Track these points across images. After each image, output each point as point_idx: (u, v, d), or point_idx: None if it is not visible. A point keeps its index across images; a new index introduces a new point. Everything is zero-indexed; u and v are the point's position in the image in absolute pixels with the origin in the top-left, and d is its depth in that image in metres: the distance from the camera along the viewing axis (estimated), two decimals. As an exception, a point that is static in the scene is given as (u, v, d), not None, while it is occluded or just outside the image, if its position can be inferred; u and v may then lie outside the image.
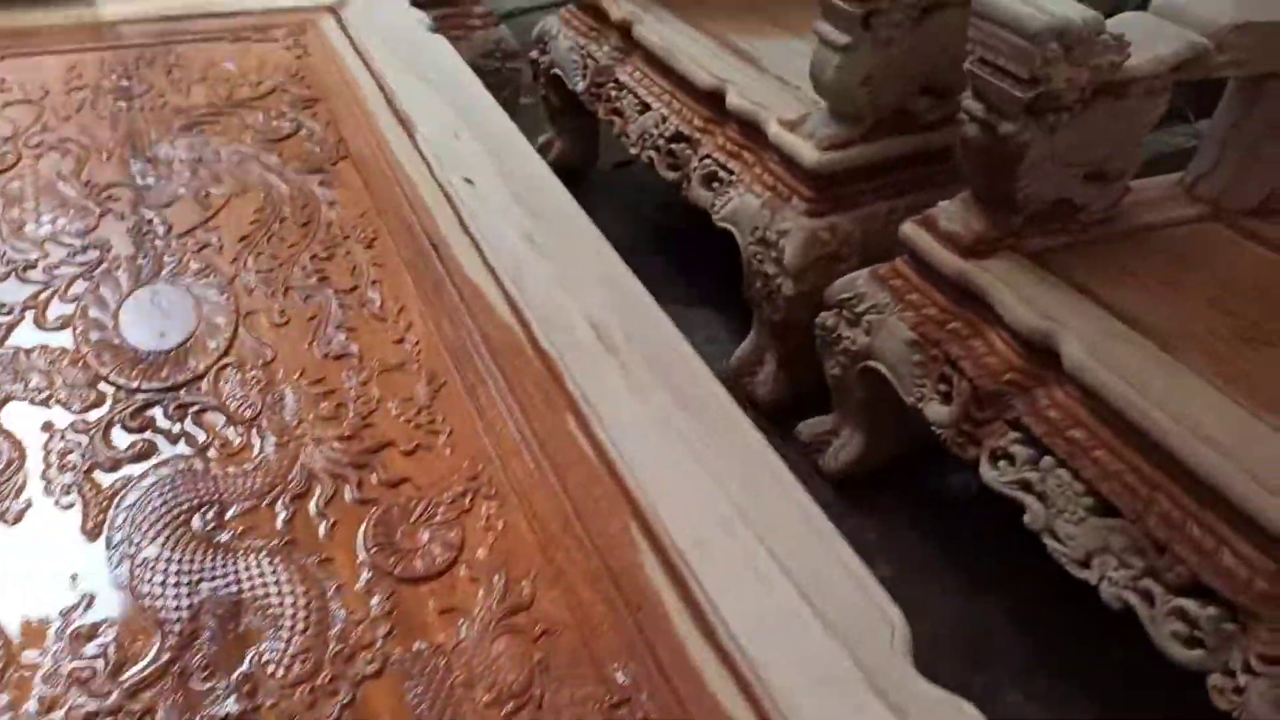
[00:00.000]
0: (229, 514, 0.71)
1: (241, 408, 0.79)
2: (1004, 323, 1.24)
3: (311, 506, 0.72)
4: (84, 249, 0.94)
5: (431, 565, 0.69)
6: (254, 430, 0.78)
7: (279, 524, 0.71)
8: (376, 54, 1.31)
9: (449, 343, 0.88)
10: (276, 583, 0.67)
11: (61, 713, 0.58)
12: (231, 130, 1.13)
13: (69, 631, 0.62)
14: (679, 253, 2.07)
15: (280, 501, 0.72)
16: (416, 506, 0.73)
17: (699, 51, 1.78)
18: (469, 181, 1.08)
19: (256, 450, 0.76)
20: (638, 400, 0.83)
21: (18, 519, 0.69)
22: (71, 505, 0.70)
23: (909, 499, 1.59)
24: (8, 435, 0.75)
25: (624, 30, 1.91)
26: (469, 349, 0.87)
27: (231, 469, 0.74)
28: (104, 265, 0.92)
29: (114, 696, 0.59)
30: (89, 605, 0.64)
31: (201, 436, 0.76)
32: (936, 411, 1.32)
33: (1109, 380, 1.11)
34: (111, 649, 0.62)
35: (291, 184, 1.06)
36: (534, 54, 2.19)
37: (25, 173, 1.03)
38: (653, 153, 1.83)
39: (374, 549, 0.70)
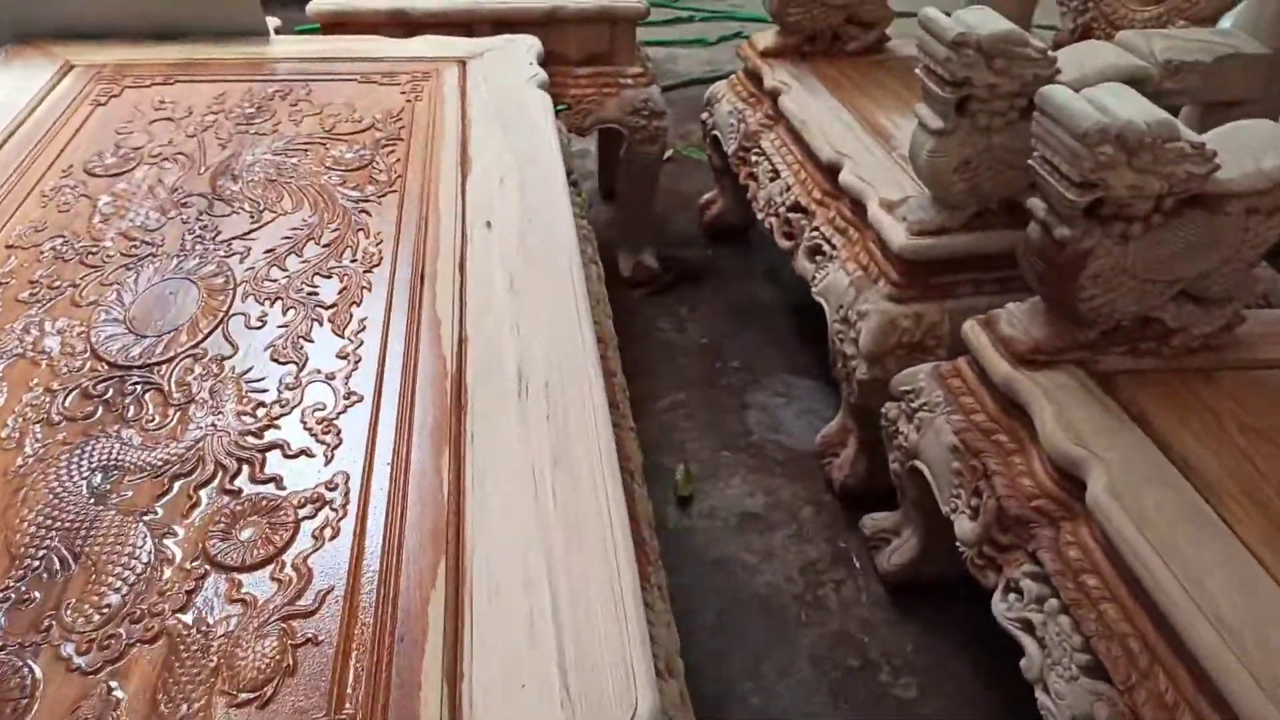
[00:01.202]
0: (125, 479, 0.81)
1: (179, 394, 0.89)
2: (1041, 443, 1.11)
3: (185, 486, 0.80)
4: (143, 243, 1.10)
5: (245, 559, 0.74)
6: (179, 414, 0.87)
7: (155, 494, 0.79)
8: (475, 103, 1.42)
9: (386, 366, 0.94)
10: (124, 542, 0.75)
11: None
12: (315, 158, 1.28)
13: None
14: (811, 320, 2.03)
15: (164, 476, 0.81)
16: (265, 504, 0.79)
17: (834, 125, 1.75)
18: (488, 225, 1.14)
19: (171, 431, 0.85)
20: (519, 448, 0.84)
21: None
22: (10, 445, 0.83)
23: (956, 615, 1.45)
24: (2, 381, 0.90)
25: (774, 98, 1.92)
26: (398, 373, 0.92)
27: (142, 441, 0.84)
28: (149, 258, 1.08)
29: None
30: (-27, 532, 0.76)
31: (133, 411, 0.87)
32: (964, 527, 1.20)
33: (1123, 527, 0.97)
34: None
35: (339, 209, 1.17)
36: (704, 115, 2.25)
37: (138, 176, 1.23)
38: (773, 219, 1.82)
39: (212, 534, 0.76)
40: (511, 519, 0.78)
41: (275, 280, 1.05)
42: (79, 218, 1.14)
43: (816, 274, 1.64)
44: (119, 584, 0.72)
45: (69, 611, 0.70)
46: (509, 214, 1.17)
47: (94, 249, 1.09)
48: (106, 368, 0.92)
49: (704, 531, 1.63)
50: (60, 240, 1.10)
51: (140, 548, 0.75)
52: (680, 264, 2.28)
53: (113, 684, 0.66)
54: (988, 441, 1.19)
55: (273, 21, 2.10)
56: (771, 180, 1.86)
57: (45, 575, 0.73)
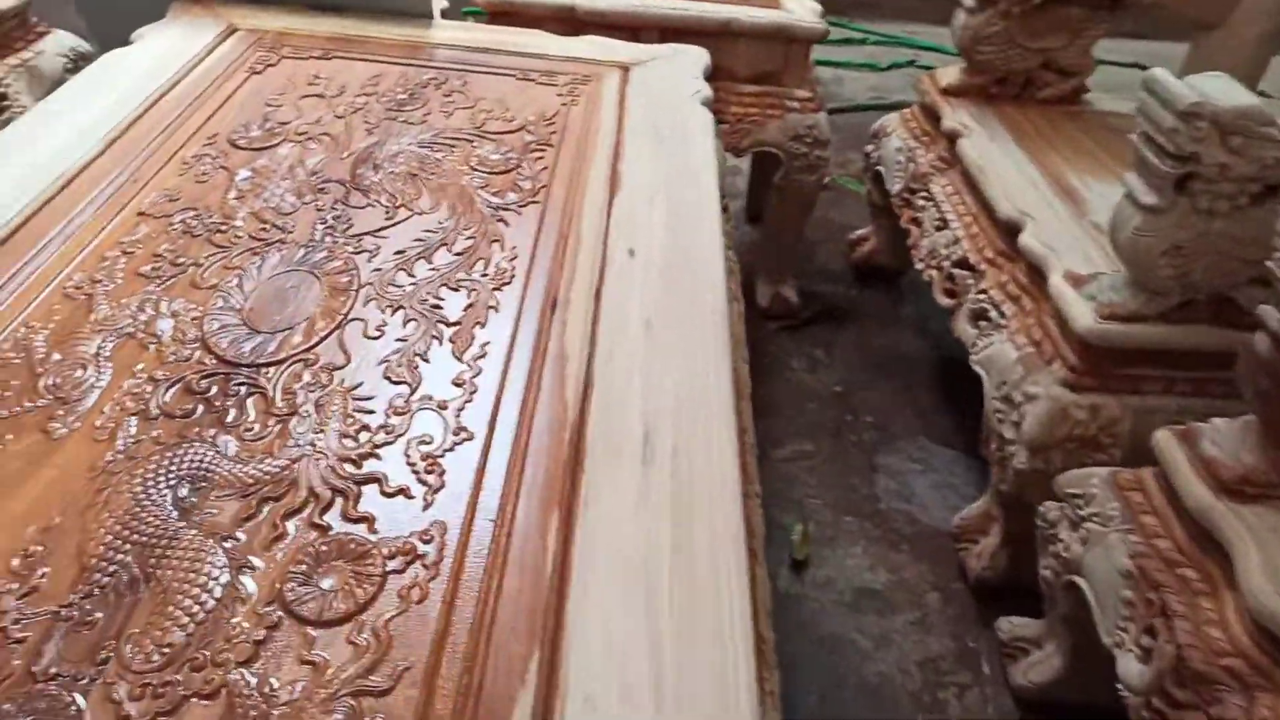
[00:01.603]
0: (212, 494, 0.74)
1: (283, 403, 0.82)
2: (1240, 591, 0.94)
3: (273, 512, 0.73)
4: (274, 227, 1.04)
5: (323, 612, 0.66)
6: (280, 427, 0.80)
7: (241, 517, 0.72)
8: (632, 113, 1.32)
9: (502, 402, 0.85)
10: (199, 569, 0.68)
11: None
12: (461, 155, 1.20)
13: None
14: (960, 384, 1.86)
15: (253, 497, 0.74)
16: (353, 548, 0.70)
17: (1017, 179, 1.58)
18: (631, 253, 1.05)
19: (269, 445, 0.78)
20: (636, 525, 0.74)
21: (66, 433, 0.78)
22: (103, 436, 0.78)
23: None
24: (102, 362, 0.85)
25: (951, 140, 1.76)
26: (515, 412, 0.83)
27: (237, 452, 0.77)
28: (277, 244, 1.02)
29: (10, 615, 0.64)
30: (46, 530, 0.70)
31: (234, 415, 0.81)
32: (1130, 668, 1.04)
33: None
34: (38, 572, 0.67)
35: (476, 214, 1.09)
36: (868, 147, 2.10)
37: (280, 154, 1.18)
38: (935, 272, 1.67)
39: (293, 575, 0.68)
40: (618, 613, 0.67)
41: (400, 286, 0.97)
42: (214, 191, 1.10)
43: (979, 341, 1.48)
44: (186, 619, 0.65)
45: (130, 645, 0.63)
46: (654, 242, 1.07)
47: (223, 227, 1.04)
48: (214, 362, 0.86)
49: (816, 602, 1.49)
50: (192, 213, 1.05)
51: (215, 580, 0.67)
52: (821, 300, 2.14)
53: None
54: (1171, 575, 1.02)
55: (440, 2, 2.06)
56: (938, 229, 1.70)
57: (113, 595, 0.66)
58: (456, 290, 0.97)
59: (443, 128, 1.26)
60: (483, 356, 0.89)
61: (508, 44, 1.50)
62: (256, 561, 0.69)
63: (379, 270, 0.99)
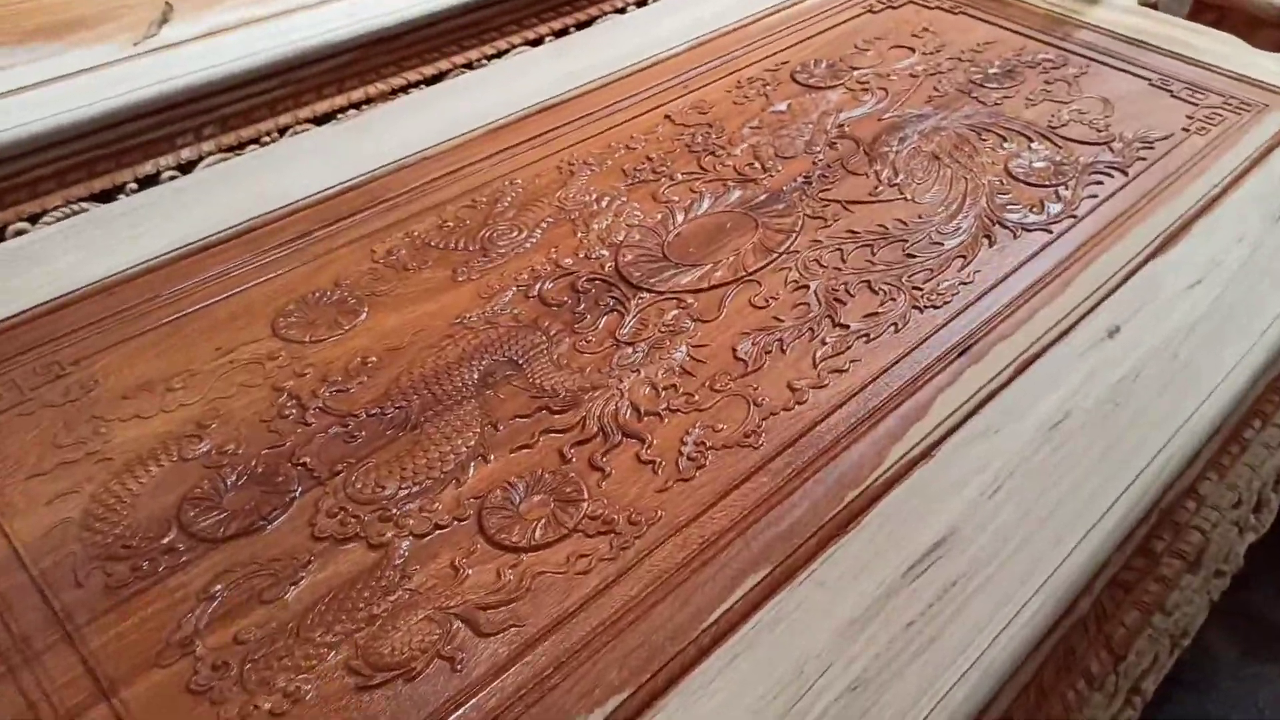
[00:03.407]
0: (513, 381, 0.78)
1: (629, 330, 0.82)
2: None
3: (538, 425, 0.75)
4: (759, 168, 1.02)
5: (499, 532, 0.67)
6: (609, 355, 0.81)
7: (515, 413, 0.75)
8: (1267, 179, 0.99)
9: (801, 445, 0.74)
10: (452, 439, 0.73)
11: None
12: (1006, 152, 1.03)
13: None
14: None
15: (537, 402, 0.76)
16: (567, 493, 0.69)
17: None
18: (1112, 333, 0.81)
19: (589, 365, 0.79)
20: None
21: (465, 281, 0.88)
22: (486, 294, 0.86)
23: None
24: (537, 232, 0.93)
25: None
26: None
27: (556, 360, 0.80)
28: (749, 184, 0.99)
29: (318, 402, 0.77)
30: (393, 349, 0.81)
31: (585, 323, 0.83)
32: None
33: None
34: (358, 379, 0.78)
35: (971, 223, 0.93)
36: None
37: (826, 98, 1.13)
38: None
39: (506, 486, 0.70)
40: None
41: (826, 267, 0.89)
42: (740, 116, 1.10)
43: None
44: (409, 477, 0.70)
45: (357, 477, 0.71)
46: (1158, 346, 0.80)
47: (720, 151, 1.04)
48: (610, 270, 0.89)
49: None
50: (706, 131, 1.08)
51: (454, 456, 0.72)
52: None
53: (310, 560, 0.65)
54: None
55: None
56: None
57: (385, 426, 0.74)
58: (875, 293, 0.85)
59: (1012, 116, 1.08)
60: (840, 370, 0.78)
61: (1171, 41, 1.21)
62: (492, 458, 0.71)
63: (817, 243, 0.91)
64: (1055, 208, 0.95)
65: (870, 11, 1.31)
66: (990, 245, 0.91)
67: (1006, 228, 0.92)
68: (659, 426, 0.74)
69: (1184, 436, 0.73)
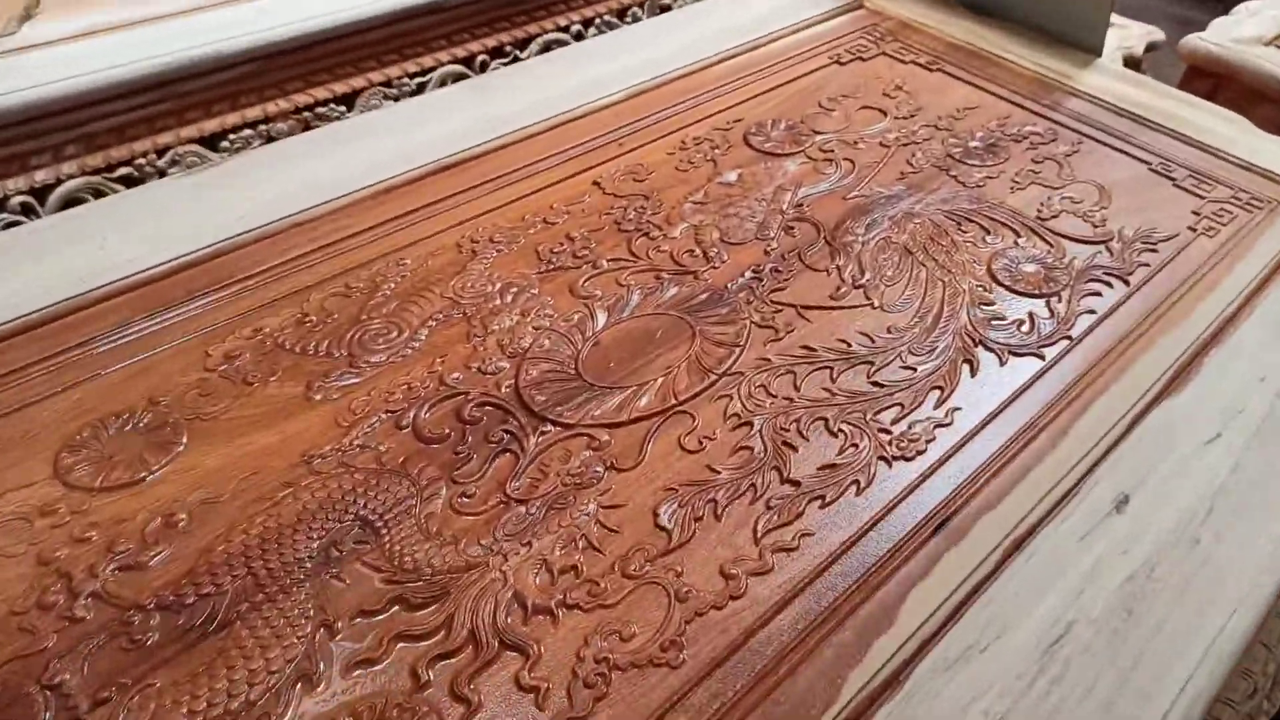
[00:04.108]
0: (363, 557, 0.61)
1: (518, 485, 0.65)
2: None
3: (388, 626, 0.57)
4: (701, 256, 0.85)
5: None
6: (497, 511, 0.63)
7: (358, 608, 0.58)
8: (1290, 286, 0.85)
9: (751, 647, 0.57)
10: (269, 649, 0.55)
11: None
12: (989, 250, 0.87)
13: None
14: None
15: (392, 593, 0.58)
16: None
17: None
18: (1119, 506, 0.65)
19: (468, 530, 0.62)
20: None
21: (321, 401, 0.70)
22: (344, 423, 0.68)
23: None
24: (420, 333, 0.75)
25: None
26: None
27: (430, 523, 0.62)
28: (685, 278, 0.83)
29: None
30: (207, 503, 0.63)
31: (466, 470, 0.65)
32: None
33: None
34: (158, 551, 0.60)
35: (948, 340, 0.78)
36: None
37: (781, 167, 0.97)
38: None
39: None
40: None
41: (777, 398, 0.72)
42: (682, 186, 0.94)
43: None
44: (211, 700, 0.52)
45: (129, 710, 0.52)
46: (1180, 518, 0.65)
47: (655, 232, 0.87)
48: (507, 391, 0.71)
49: None
50: (640, 205, 0.90)
51: (267, 676, 0.54)
52: None
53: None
54: None
55: (1154, 35, 1.64)
56: None
57: (184, 629, 0.56)
58: (834, 435, 0.69)
59: (996, 202, 0.93)
60: (788, 549, 0.61)
61: (1170, 117, 1.07)
62: (322, 684, 0.53)
63: (765, 362, 0.75)
64: (1047, 325, 0.79)
65: (837, 63, 1.15)
66: (972, 373, 0.75)
67: (991, 350, 0.77)
68: (550, 632, 0.56)
69: (1211, 661, 0.58)
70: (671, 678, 0.55)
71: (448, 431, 0.68)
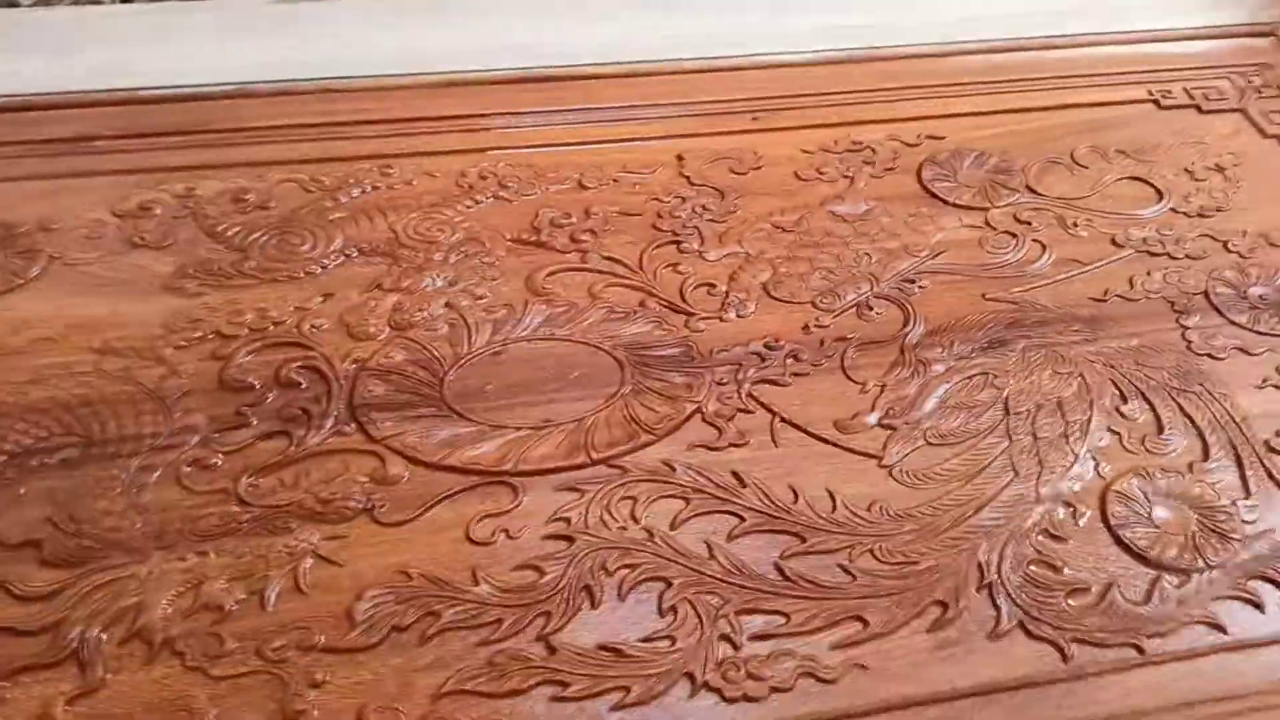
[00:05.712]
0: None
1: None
2: None
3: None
4: (681, 314, 0.64)
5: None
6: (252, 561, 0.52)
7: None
8: None
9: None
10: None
11: None
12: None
13: None
14: None
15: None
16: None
17: None
18: None
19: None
20: None
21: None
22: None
23: None
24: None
25: None
26: None
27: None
28: (650, 327, 0.62)
29: None
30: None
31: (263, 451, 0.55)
32: None
33: None
34: None
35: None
36: None
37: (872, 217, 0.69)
38: None
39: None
40: None
41: (628, 530, 0.52)
42: (774, 199, 0.71)
43: None
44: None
45: None
46: None
47: (693, 246, 0.67)
48: (345, 371, 0.58)
49: None
50: (705, 202, 0.70)
51: None
52: None
53: None
54: None
55: None
56: None
57: None
58: (664, 615, 0.48)
59: (1222, 392, 0.59)
60: (447, 740, 0.44)
61: None
62: None
63: (666, 471, 0.54)
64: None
65: (1155, 104, 0.80)
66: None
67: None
68: (129, 673, 0.45)
69: None
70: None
71: (252, 383, 0.57)
